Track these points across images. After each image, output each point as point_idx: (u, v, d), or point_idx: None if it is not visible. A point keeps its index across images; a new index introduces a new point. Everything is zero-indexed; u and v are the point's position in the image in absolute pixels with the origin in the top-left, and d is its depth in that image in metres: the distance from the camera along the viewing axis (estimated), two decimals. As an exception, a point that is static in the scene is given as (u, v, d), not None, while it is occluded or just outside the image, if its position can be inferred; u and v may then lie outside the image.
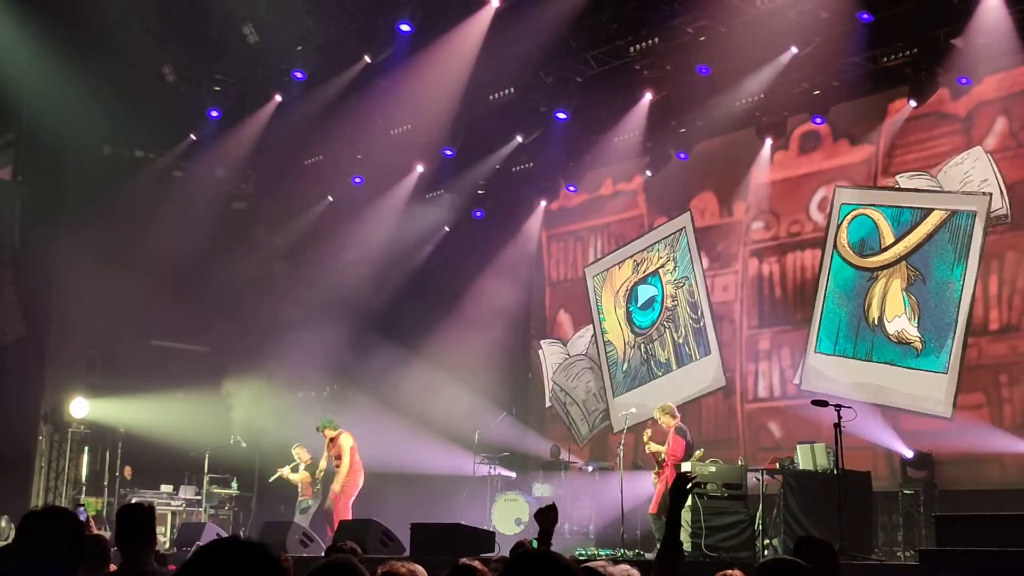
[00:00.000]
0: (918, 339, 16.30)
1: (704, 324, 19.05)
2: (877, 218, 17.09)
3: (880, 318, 16.74)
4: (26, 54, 16.59)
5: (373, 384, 20.67)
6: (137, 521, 5.82)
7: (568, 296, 21.43)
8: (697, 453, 15.33)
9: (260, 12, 16.85)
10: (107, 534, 14.68)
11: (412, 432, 19.17)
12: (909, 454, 15.40)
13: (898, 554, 14.30)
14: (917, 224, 16.60)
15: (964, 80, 16.04)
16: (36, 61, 16.77)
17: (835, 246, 17.48)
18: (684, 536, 14.04)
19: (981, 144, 16.21)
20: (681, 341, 19.33)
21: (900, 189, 16.98)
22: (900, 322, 16.49)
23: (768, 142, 18.13)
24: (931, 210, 16.51)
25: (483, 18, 16.43)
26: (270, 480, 18.35)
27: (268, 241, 21.33)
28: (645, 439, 15.68)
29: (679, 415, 15.76)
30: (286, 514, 17.72)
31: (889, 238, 16.88)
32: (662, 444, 15.41)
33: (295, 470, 17.81)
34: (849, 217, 17.41)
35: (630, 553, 14.97)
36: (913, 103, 16.52)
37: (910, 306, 16.44)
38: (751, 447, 17.36)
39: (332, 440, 16.87)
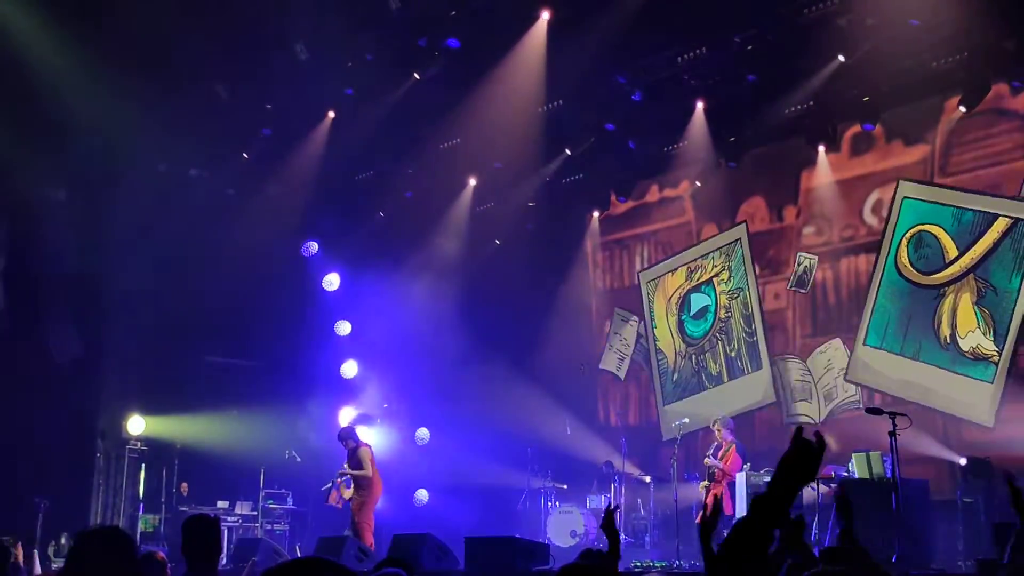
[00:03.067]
0: (996, 352, 15.86)
1: (757, 338, 18.87)
2: (938, 233, 16.71)
3: (952, 335, 16.34)
4: (80, 76, 16.77)
5: (425, 400, 20.78)
6: (203, 532, 5.90)
7: (616, 306, 21.33)
8: (745, 466, 15.33)
9: (311, 31, 16.97)
10: (164, 550, 14.85)
11: (468, 446, 19.20)
12: (962, 461, 15.22)
13: (959, 564, 14.10)
14: (981, 232, 16.24)
15: (1018, 84, 15.87)
16: (90, 84, 16.94)
17: (896, 263, 17.17)
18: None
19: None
20: (734, 355, 19.14)
21: (963, 189, 16.76)
22: (974, 337, 16.06)
23: (821, 149, 18.01)
24: (996, 216, 16.20)
25: (532, 33, 16.47)
26: (322, 490, 18.43)
27: (321, 257, 21.49)
28: (708, 457, 15.76)
29: (734, 433, 15.82)
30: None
31: (953, 252, 16.48)
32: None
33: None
34: (908, 235, 17.11)
35: (686, 564, 14.92)
36: (963, 108, 16.36)
37: (983, 319, 16.03)
38: None
39: (353, 451, 16.88)
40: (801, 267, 18.39)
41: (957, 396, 16.16)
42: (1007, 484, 6.31)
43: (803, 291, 18.31)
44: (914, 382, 16.59)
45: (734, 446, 15.54)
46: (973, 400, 16.01)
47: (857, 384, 17.29)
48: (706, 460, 15.77)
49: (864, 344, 17.44)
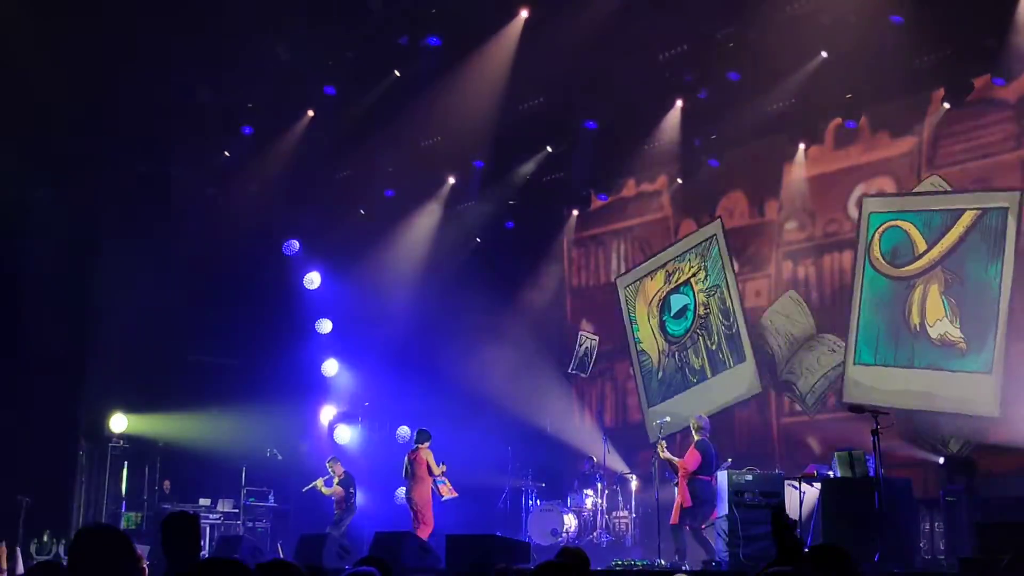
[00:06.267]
0: (961, 339, 15.98)
1: (737, 330, 18.75)
2: (908, 228, 16.76)
3: (922, 323, 16.40)
4: (61, 76, 16.74)
5: (405, 398, 20.77)
6: (182, 530, 5.93)
7: (591, 304, 21.24)
8: (727, 461, 15.28)
9: (292, 30, 16.93)
10: (145, 548, 14.83)
11: (449, 444, 19.18)
12: (940, 460, 15.26)
13: (941, 562, 14.11)
14: (948, 228, 16.31)
15: (999, 81, 15.86)
16: (71, 83, 16.90)
17: (868, 258, 17.20)
18: (721, 545, 13.96)
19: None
20: (714, 348, 19.04)
21: (928, 193, 16.75)
22: (942, 325, 16.18)
23: (801, 146, 17.96)
24: (962, 211, 16.22)
25: (512, 30, 16.45)
26: (303, 491, 18.52)
27: (302, 255, 21.49)
28: (660, 450, 15.55)
29: (707, 432, 15.63)
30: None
31: (922, 246, 16.56)
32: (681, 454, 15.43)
33: (328, 484, 18.07)
34: (880, 229, 17.09)
35: (665, 563, 14.91)
36: (947, 105, 16.34)
37: (950, 308, 16.12)
38: (787, 464, 16.40)
39: (416, 451, 17.18)
40: (583, 347, 18.32)
41: (958, 393, 16.05)
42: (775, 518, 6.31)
43: (583, 375, 18.29)
44: (911, 390, 16.48)
45: (693, 443, 15.41)
46: (974, 394, 15.91)
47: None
48: (661, 453, 15.61)
49: (855, 364, 17.26)
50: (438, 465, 17.16)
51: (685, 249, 19.67)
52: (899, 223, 16.92)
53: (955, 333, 16.07)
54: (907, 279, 16.72)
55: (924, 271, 16.52)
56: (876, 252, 17.11)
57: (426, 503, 17.14)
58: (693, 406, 18.10)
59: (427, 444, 17.28)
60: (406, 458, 17.25)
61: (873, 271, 17.17)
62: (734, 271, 18.93)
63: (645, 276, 20.29)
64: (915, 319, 16.53)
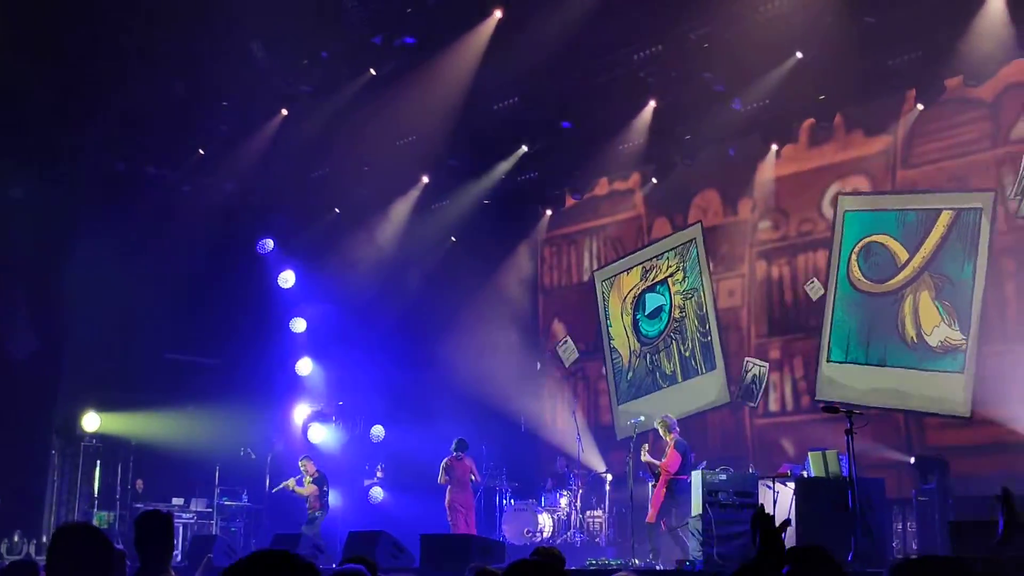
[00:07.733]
0: (964, 340, 15.84)
1: (711, 339, 18.74)
2: (885, 241, 16.70)
3: (918, 333, 16.28)
4: (38, 74, 16.65)
5: (379, 397, 20.74)
6: (155, 528, 5.90)
7: (562, 304, 21.24)
8: (702, 464, 15.32)
9: (267, 28, 16.88)
10: (120, 547, 14.72)
11: (423, 443, 19.18)
12: (911, 460, 15.33)
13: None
14: (928, 230, 16.26)
15: (971, 82, 15.93)
16: (48, 81, 16.83)
17: (849, 279, 17.09)
18: (695, 545, 13.97)
19: (1011, 131, 15.75)
20: (688, 355, 19.01)
21: (904, 192, 16.76)
22: (941, 331, 16.05)
23: (774, 146, 17.97)
24: (939, 211, 16.20)
25: (486, 29, 16.44)
26: (273, 491, 18.49)
27: (276, 254, 21.45)
28: (643, 453, 15.60)
29: (678, 430, 15.68)
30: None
31: (903, 255, 16.47)
32: (659, 456, 15.43)
33: (300, 483, 18.01)
34: (856, 248, 17.03)
35: (639, 562, 14.92)
36: (920, 106, 16.40)
37: (946, 312, 16.01)
38: (762, 466, 16.17)
39: (460, 459, 17.43)
40: (749, 374, 18.28)
41: (930, 393, 16.09)
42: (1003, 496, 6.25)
43: (751, 404, 18.22)
44: (884, 388, 16.49)
45: (672, 444, 15.44)
46: (946, 394, 15.94)
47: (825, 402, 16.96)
48: (643, 456, 15.67)
49: (828, 361, 17.27)
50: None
51: (664, 249, 19.63)
52: (876, 238, 16.84)
53: (956, 336, 15.94)
54: (894, 292, 16.59)
55: (910, 280, 16.42)
56: (856, 273, 17.02)
57: (469, 504, 17.44)
58: (661, 408, 18.06)
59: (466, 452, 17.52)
60: (445, 463, 17.42)
61: (851, 288, 17.09)
62: (711, 277, 18.90)
63: (622, 272, 20.26)
64: (910, 331, 16.40)
